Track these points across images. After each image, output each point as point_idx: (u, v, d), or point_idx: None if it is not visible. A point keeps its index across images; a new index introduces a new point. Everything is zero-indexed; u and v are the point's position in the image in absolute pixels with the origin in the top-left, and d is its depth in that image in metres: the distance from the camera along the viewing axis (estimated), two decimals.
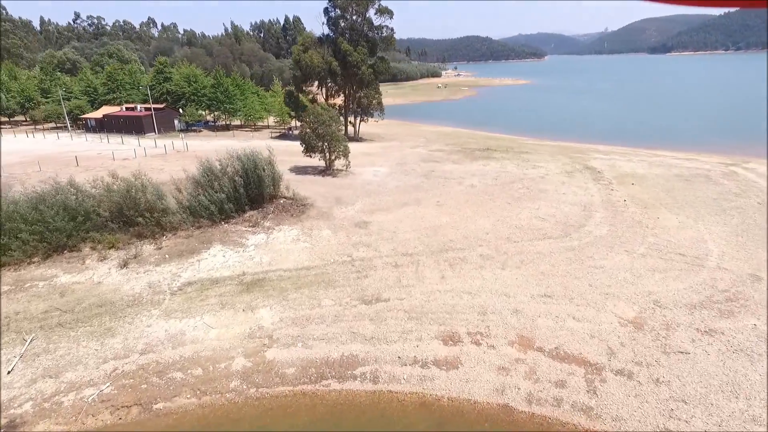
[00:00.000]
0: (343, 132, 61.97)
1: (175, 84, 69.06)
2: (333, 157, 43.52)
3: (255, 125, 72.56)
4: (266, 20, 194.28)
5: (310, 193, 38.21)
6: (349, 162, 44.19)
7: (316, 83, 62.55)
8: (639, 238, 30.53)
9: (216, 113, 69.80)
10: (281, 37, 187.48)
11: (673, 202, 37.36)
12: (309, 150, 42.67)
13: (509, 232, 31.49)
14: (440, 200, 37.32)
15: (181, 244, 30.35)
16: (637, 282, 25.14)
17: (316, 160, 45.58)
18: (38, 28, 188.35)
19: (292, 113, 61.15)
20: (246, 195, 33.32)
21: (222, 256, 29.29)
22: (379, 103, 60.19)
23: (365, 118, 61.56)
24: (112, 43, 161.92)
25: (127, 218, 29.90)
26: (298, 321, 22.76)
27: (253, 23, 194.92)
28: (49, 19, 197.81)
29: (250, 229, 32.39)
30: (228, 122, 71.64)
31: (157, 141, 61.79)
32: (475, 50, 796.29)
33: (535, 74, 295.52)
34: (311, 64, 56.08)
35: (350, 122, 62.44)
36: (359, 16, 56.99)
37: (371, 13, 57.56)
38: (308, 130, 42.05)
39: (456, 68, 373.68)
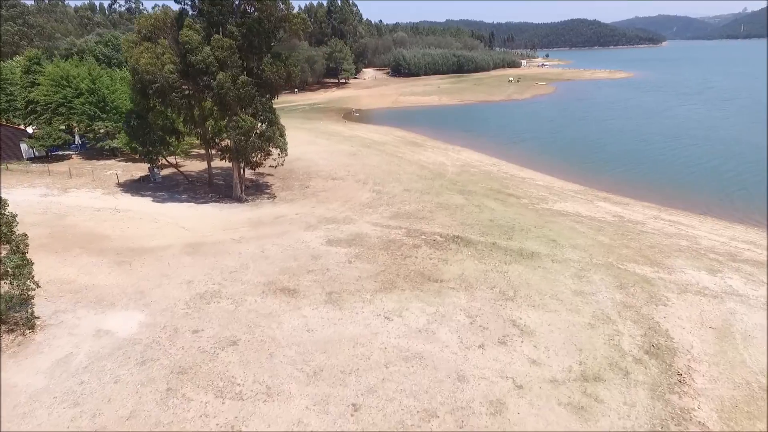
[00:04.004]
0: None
1: (38, 91, 47.63)
2: None
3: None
4: (314, 3, 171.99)
5: None
6: (31, 316, 18.80)
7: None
8: None
9: (91, 132, 47.14)
10: (324, 21, 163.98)
11: None
12: None
13: None
14: None
15: None
16: None
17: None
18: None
19: (139, 147, 36.23)
20: None
21: None
22: (269, 140, 32.98)
23: (248, 165, 34.44)
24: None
25: None
26: None
27: (301, 7, 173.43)
28: (110, 5, 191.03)
29: None
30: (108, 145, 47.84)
31: None
32: (580, 35, 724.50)
33: (643, 64, 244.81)
34: (137, 68, 30.78)
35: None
36: None
37: None
38: None
39: (547, 56, 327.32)
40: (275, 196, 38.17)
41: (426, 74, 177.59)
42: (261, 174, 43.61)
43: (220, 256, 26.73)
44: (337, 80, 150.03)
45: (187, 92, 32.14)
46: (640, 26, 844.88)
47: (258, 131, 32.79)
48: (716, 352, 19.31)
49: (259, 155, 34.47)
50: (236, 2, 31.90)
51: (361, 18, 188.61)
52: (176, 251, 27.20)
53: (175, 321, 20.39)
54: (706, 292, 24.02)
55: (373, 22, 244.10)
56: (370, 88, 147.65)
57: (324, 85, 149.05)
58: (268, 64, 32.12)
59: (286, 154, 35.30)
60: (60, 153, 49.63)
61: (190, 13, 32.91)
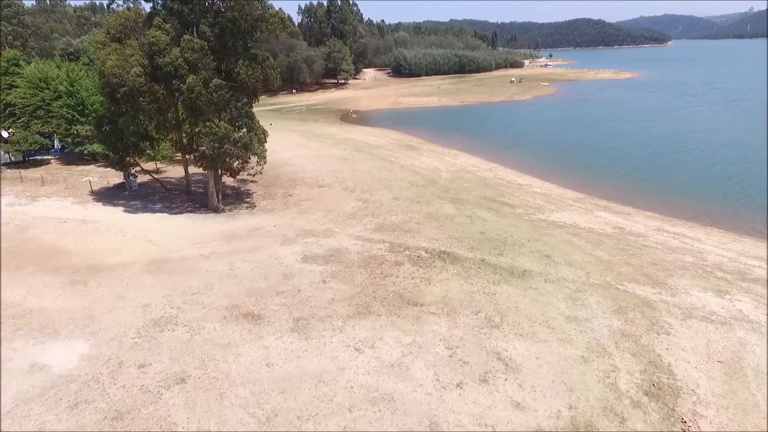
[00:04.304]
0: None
1: (15, 94, 45.84)
2: None
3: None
4: (314, 3, 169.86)
5: None
6: None
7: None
8: None
9: (69, 136, 45.20)
10: (324, 21, 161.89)
11: None
12: None
13: None
14: None
15: None
16: None
17: None
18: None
19: (111, 153, 34.21)
20: None
21: None
22: (245, 147, 30.80)
23: (227, 172, 32.54)
24: None
25: None
26: None
27: (300, 6, 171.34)
28: (108, 5, 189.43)
29: None
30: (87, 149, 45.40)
31: None
32: (584, 35, 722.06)
33: (647, 64, 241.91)
34: (103, 72, 28.86)
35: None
36: None
37: None
38: None
39: (551, 56, 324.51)
40: (255, 206, 36.10)
41: (427, 74, 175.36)
42: (244, 181, 41.65)
43: (185, 274, 24.72)
44: (336, 81, 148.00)
45: (158, 97, 30.07)
46: (645, 26, 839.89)
47: (234, 138, 30.71)
48: (725, 392, 17.15)
49: (237, 163, 32.41)
50: (210, 1, 29.84)
51: (361, 18, 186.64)
52: (138, 269, 25.21)
53: (121, 353, 18.39)
54: (713, 318, 21.84)
55: (375, 22, 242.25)
56: (370, 88, 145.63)
57: (323, 86, 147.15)
58: (243, 67, 30.03)
59: (265, 162, 33.25)
60: (39, 158, 47.83)
61: (162, 12, 30.84)
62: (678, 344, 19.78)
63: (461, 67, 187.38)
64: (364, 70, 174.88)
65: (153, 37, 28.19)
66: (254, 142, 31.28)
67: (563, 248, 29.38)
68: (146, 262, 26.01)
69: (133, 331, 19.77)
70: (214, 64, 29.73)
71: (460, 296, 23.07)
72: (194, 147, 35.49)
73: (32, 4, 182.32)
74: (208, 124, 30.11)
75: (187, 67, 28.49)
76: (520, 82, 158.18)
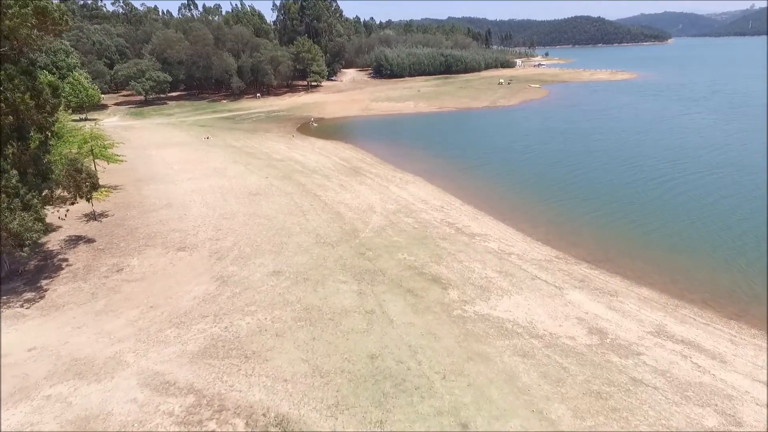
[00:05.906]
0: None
1: None
2: None
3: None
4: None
5: None
6: None
7: None
8: None
9: None
10: (297, 19, 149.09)
11: None
12: None
13: None
14: None
15: None
16: None
17: None
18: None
19: None
20: None
21: None
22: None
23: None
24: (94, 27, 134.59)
25: None
26: None
27: (276, 3, 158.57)
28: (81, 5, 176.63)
29: None
30: None
31: None
32: (584, 33, 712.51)
33: (647, 63, 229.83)
34: None
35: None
36: None
37: None
38: None
39: (546, 54, 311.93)
40: (43, 296, 23.78)
41: (411, 75, 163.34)
42: (75, 239, 29.48)
43: None
44: (306, 83, 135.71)
45: None
46: (646, 23, 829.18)
47: None
48: None
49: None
50: None
51: (340, 14, 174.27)
52: None
53: None
54: None
55: (362, 19, 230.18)
56: (342, 92, 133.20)
57: (293, 89, 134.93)
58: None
59: (33, 241, 21.18)
60: None
61: None
62: None
63: (448, 68, 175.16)
64: (343, 70, 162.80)
65: None
66: (2, 211, 19.09)
67: (497, 397, 17.31)
68: None
69: None
70: None
71: None
72: None
73: None
74: None
75: None
76: (509, 84, 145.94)
